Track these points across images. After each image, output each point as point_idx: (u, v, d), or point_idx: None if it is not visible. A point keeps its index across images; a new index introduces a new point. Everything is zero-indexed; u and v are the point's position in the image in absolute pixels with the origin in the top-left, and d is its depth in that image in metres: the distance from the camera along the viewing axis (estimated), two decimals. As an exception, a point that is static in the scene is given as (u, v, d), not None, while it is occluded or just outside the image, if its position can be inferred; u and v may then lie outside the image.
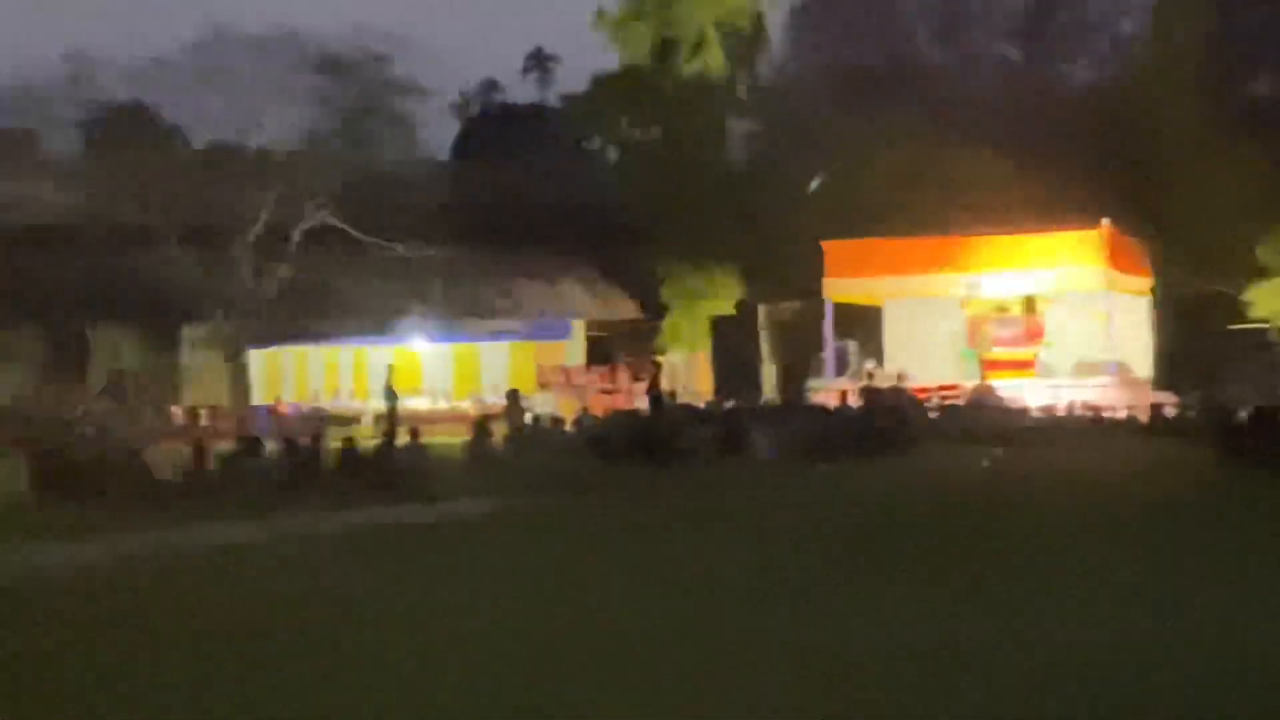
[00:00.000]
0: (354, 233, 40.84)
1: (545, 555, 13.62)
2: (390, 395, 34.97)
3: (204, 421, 36.75)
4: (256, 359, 41.58)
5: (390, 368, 36.35)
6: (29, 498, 19.93)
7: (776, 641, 8.73)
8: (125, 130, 41.27)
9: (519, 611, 10.08)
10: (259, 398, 40.42)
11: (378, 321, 40.49)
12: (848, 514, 16.28)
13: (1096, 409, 29.77)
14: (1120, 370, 34.09)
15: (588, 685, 7.73)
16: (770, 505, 17.58)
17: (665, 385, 33.45)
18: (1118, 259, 34.42)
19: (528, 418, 29.58)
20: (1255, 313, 38.13)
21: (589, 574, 12.00)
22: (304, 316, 40.34)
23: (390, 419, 32.37)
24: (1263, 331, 38.49)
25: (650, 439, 26.39)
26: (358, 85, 42.37)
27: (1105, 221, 33.90)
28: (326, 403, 39.89)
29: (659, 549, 13.52)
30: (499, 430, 28.25)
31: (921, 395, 32.16)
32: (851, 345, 38.06)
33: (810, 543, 13.48)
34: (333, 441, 24.65)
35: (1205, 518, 15.15)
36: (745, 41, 46.85)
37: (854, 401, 29.33)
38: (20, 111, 42.73)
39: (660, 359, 41.55)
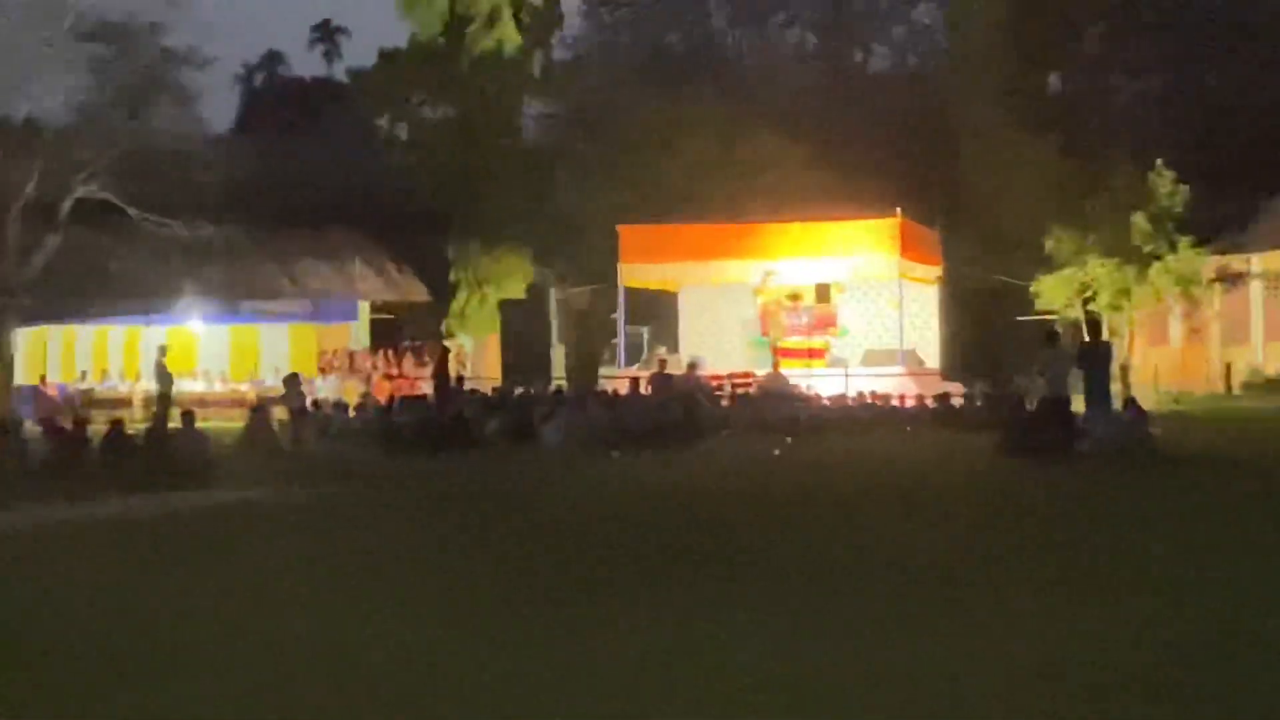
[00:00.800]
0: (128, 208, 39.90)
1: (308, 547, 13.45)
2: (163, 377, 34.19)
3: (-37, 403, 35.80)
4: (20, 337, 40.43)
5: (163, 348, 35.46)
6: None
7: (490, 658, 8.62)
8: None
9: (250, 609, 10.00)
10: (22, 378, 39.33)
11: (151, 300, 39.61)
12: (634, 505, 16.32)
13: (886, 398, 30.22)
14: (910, 360, 34.64)
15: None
16: (553, 498, 17.56)
17: (452, 370, 33.20)
18: (910, 248, 34.89)
19: (308, 403, 29.17)
20: (1041, 304, 39.03)
21: (340, 569, 11.86)
22: (73, 294, 39.29)
23: (162, 402, 31.68)
24: (1049, 323, 39.50)
25: (436, 427, 26.32)
26: (133, 53, 41.37)
27: (898, 210, 34.37)
28: (95, 384, 39.13)
29: (424, 546, 13.39)
30: (278, 415, 27.93)
31: (715, 383, 32.38)
32: (645, 332, 38.26)
33: (585, 541, 13.45)
34: (100, 424, 24.17)
35: (981, 510, 15.51)
36: (540, 18, 46.75)
37: (646, 389, 29.44)
38: None
39: (448, 343, 41.32)
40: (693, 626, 8.94)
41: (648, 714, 6.95)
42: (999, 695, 7.09)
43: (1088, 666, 7.56)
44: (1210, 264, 39.51)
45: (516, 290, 44.88)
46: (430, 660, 8.20)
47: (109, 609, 10.07)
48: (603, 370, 36.92)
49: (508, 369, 43.03)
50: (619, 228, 36.41)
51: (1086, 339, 22.94)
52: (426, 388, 32.93)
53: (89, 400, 36.15)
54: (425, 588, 10.71)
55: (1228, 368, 39.57)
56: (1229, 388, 38.58)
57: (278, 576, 11.41)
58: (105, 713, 7.23)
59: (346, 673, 7.93)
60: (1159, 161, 38.07)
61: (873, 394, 30.62)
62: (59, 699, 7.49)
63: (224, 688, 7.63)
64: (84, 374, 40.18)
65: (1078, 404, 21.89)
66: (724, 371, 33.78)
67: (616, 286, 36.65)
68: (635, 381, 30.15)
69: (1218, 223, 39.10)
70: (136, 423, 28.73)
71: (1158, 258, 38.20)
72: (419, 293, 47.05)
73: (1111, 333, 36.62)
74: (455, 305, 44.95)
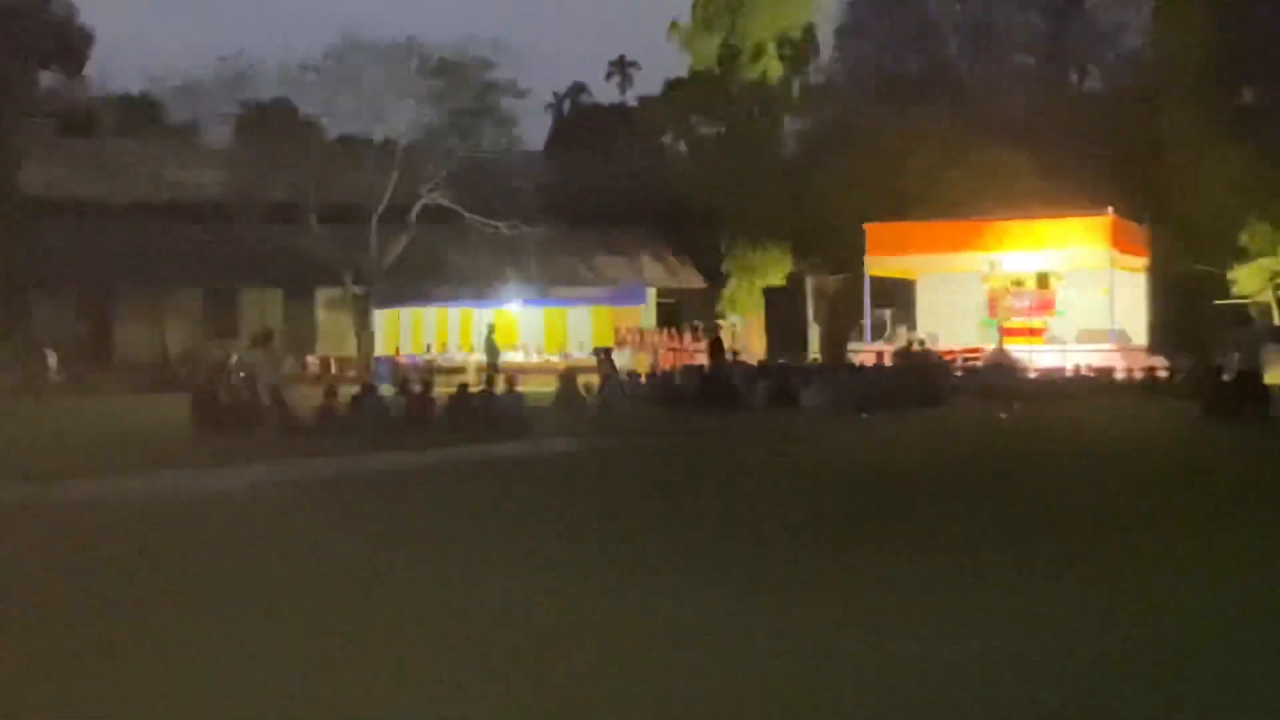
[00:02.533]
0: (462, 212, 41.08)
1: (603, 486, 13.73)
2: (491, 350, 35.13)
3: (334, 370, 37.16)
4: (379, 317, 41.89)
5: (491, 326, 36.52)
6: (188, 432, 20.29)
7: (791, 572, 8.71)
8: (271, 123, 41.69)
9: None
10: (381, 350, 40.75)
11: (481, 287, 40.69)
12: (878, 457, 16.29)
13: (1098, 371, 29.47)
14: (1119, 338, 33.71)
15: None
16: (811, 449, 17.60)
17: (726, 345, 33.34)
18: (1119, 241, 34.00)
19: (615, 372, 29.58)
20: (1238, 290, 37.67)
21: (625, 502, 12.06)
22: (419, 282, 40.61)
23: (491, 370, 32.54)
24: (1244, 307, 38.04)
25: (714, 391, 26.47)
26: (466, 86, 42.50)
27: (1109, 209, 33.51)
28: (437, 355, 40.27)
29: (721, 487, 13.53)
30: (583, 380, 28.39)
31: (948, 357, 31.99)
32: (888, 313, 37.88)
33: (846, 485, 13.47)
34: (442, 388, 24.90)
35: (1188, 463, 15.09)
36: (799, 50, 46.65)
37: (889, 362, 29.20)
38: (185, 106, 43.44)
39: (720, 323, 41.52)
40: (917, 560, 8.92)
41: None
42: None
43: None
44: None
45: (778, 278, 44.91)
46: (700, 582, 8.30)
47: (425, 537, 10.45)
48: (851, 345, 36.68)
49: (771, 345, 43.02)
50: (865, 225, 36.12)
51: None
52: (703, 359, 33.11)
53: (433, 369, 37.23)
54: (686, 525, 10.82)
55: None
56: None
57: (576, 508, 11.68)
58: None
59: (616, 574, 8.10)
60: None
61: (1087, 367, 29.89)
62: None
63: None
64: (429, 347, 41.43)
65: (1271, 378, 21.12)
66: (956, 347, 33.34)
67: (863, 275, 36.40)
68: (880, 355, 29.95)
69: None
70: (471, 387, 29.46)
71: (1343, 248, 36.53)
72: (696, 280, 47.36)
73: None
74: (726, 291, 45.23)
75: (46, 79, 46.27)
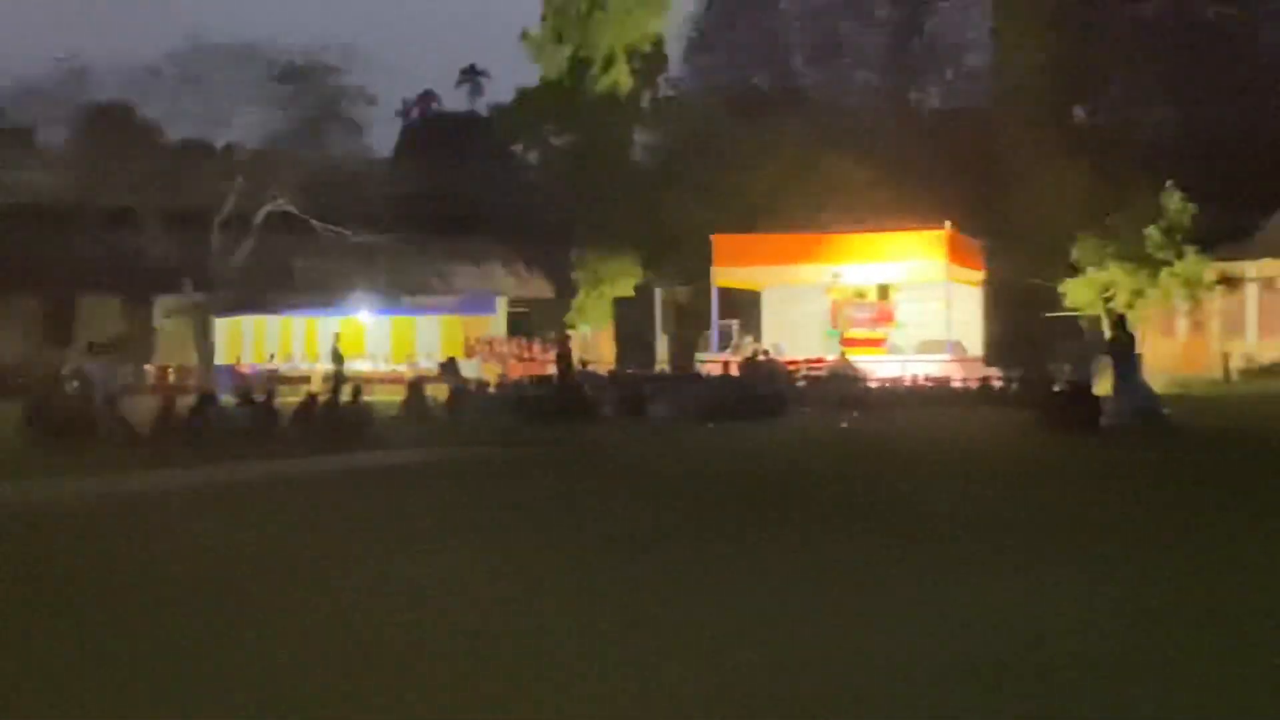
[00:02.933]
0: (309, 219, 40.54)
1: (453, 497, 13.61)
2: (337, 359, 34.70)
3: (173, 380, 36.40)
4: (221, 326, 41.10)
5: (337, 335, 36.05)
6: (20, 441, 19.70)
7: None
8: (110, 126, 40.67)
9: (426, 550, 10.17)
10: (221, 359, 39.98)
11: (327, 295, 40.18)
12: (725, 465, 16.43)
13: (936, 381, 30.07)
14: (956, 349, 34.39)
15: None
16: (656, 459, 17.70)
17: (575, 355, 33.37)
18: (956, 255, 34.67)
19: (460, 382, 29.47)
20: (1069, 303, 38.82)
21: (476, 516, 11.99)
22: (263, 290, 39.98)
23: (336, 379, 32.14)
24: (1075, 319, 39.23)
25: (561, 401, 26.47)
26: (314, 92, 41.99)
27: (947, 223, 34.16)
28: (281, 365, 39.62)
29: (561, 498, 13.50)
30: (431, 391, 28.22)
31: (792, 367, 32.35)
32: (734, 324, 38.20)
33: (680, 492, 13.55)
34: (286, 398, 24.53)
35: (1020, 470, 15.46)
36: (649, 63, 46.86)
37: (735, 372, 29.47)
38: (20, 109, 42.15)
39: (570, 332, 41.55)
40: (757, 562, 9.04)
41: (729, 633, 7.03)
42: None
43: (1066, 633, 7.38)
44: (1212, 269, 39.03)
45: (627, 289, 45.04)
46: (538, 595, 8.30)
47: (276, 549, 10.28)
48: (699, 356, 36.94)
49: (620, 354, 43.16)
50: (713, 237, 36.39)
51: (1117, 332, 22.67)
52: (553, 369, 33.10)
53: (276, 378, 36.65)
54: (557, 532, 10.81)
55: (1226, 357, 38.98)
56: (1226, 375, 38.01)
57: (421, 521, 11.54)
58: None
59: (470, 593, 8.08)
60: (1169, 183, 37.77)
61: (925, 377, 30.48)
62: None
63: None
64: (272, 356, 40.70)
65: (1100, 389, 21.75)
66: (800, 357, 33.73)
67: (710, 286, 36.65)
68: (726, 365, 30.21)
69: (1219, 234, 38.57)
70: (317, 397, 29.07)
71: (1168, 264, 37.92)
72: (546, 290, 47.37)
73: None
74: (576, 301, 45.24)
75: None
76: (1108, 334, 35.71)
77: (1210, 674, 6.06)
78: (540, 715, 5.62)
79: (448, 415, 26.35)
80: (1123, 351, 21.47)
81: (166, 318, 42.91)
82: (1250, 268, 40.08)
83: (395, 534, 10.73)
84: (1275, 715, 5.59)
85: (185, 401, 22.50)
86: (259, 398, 23.07)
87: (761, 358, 31.41)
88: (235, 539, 10.54)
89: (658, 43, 47.30)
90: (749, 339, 36.56)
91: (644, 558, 9.43)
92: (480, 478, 15.60)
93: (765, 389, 27.22)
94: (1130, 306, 36.94)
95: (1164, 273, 37.90)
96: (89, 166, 39.64)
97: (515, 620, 7.35)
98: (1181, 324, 41.19)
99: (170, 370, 38.39)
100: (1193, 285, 38.54)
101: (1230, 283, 40.09)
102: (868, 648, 6.60)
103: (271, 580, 8.67)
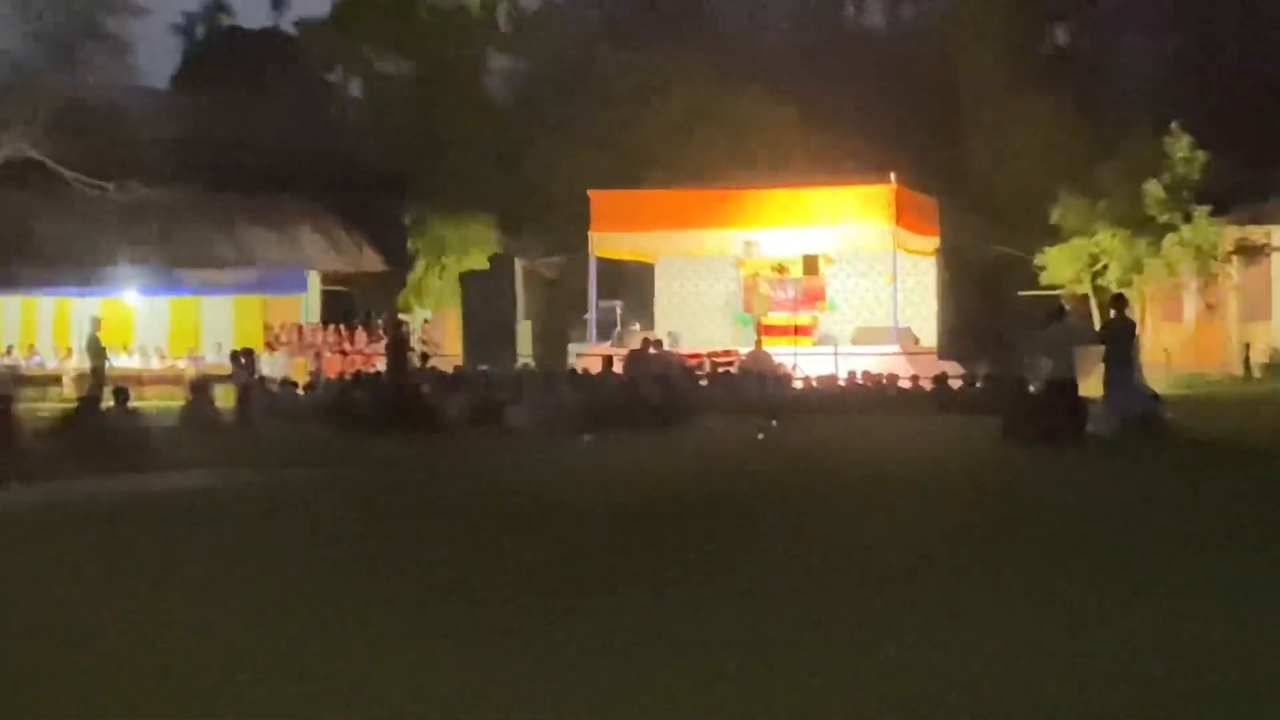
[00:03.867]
0: (59, 169, 39.85)
1: (249, 538, 13.40)
2: (96, 352, 34.16)
3: None
4: (-57, 309, 40.45)
5: (96, 321, 35.47)
6: None
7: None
8: None
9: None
10: (-55, 354, 39.29)
11: (84, 269, 39.56)
12: (604, 495, 16.28)
13: (878, 379, 30.29)
14: (904, 338, 34.72)
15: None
16: (518, 485, 17.53)
17: (414, 346, 33.22)
18: (905, 217, 34.80)
19: (254, 379, 29.19)
20: (1047, 278, 39.18)
21: (283, 564, 11.84)
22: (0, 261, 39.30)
23: (96, 379, 31.68)
24: (1054, 299, 39.61)
25: (392, 406, 26.30)
26: (64, 2, 41.33)
27: (893, 176, 34.28)
28: (21, 360, 38.99)
29: (377, 538, 13.34)
30: (221, 393, 27.94)
31: (693, 362, 32.43)
32: (618, 306, 38.28)
33: (550, 534, 13.46)
34: (29, 403, 24.15)
35: (976, 509, 15.49)
36: (507, -36, 46.86)
37: (620, 369, 29.50)
38: None
39: (404, 317, 41.30)
40: (657, 626, 9.00)
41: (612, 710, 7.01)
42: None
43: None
44: (1228, 235, 39.64)
45: (480, 260, 44.89)
46: (380, 664, 8.23)
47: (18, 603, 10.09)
48: (572, 347, 36.97)
49: (470, 345, 42.97)
50: (590, 193, 36.36)
51: (1112, 316, 22.88)
52: (381, 364, 32.90)
53: (16, 377, 36.01)
54: (378, 584, 10.66)
55: (1246, 347, 39.61)
56: (1247, 369, 38.67)
57: (210, 574, 11.34)
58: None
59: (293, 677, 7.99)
60: (1175, 124, 38.21)
61: (864, 374, 30.71)
62: None
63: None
64: (9, 349, 40.05)
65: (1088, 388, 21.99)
66: (703, 350, 33.83)
67: (587, 257, 36.63)
68: (608, 360, 30.19)
69: (1237, 192, 39.24)
70: (67, 402, 28.62)
71: (1173, 228, 38.42)
72: (373, 263, 47.01)
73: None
74: (413, 276, 45.09)
75: None
76: (1098, 318, 36.44)
77: None
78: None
79: (242, 425, 26.11)
80: (1119, 341, 21.71)
81: None
82: (1276, 234, 40.67)
83: (165, 587, 10.55)
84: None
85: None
86: (-9, 404, 22.73)
87: (653, 350, 31.44)
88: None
89: (520, -59, 47.32)
90: (636, 326, 36.73)
91: (484, 611, 9.39)
92: (283, 509, 15.40)
93: (657, 391, 27.24)
94: (1126, 282, 37.51)
95: (1168, 239, 38.43)
96: None
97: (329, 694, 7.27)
98: (1190, 305, 41.93)
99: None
100: (1205, 256, 39.09)
101: (1251, 253, 40.71)
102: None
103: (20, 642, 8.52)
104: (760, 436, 22.83)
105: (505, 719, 6.89)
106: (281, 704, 7.17)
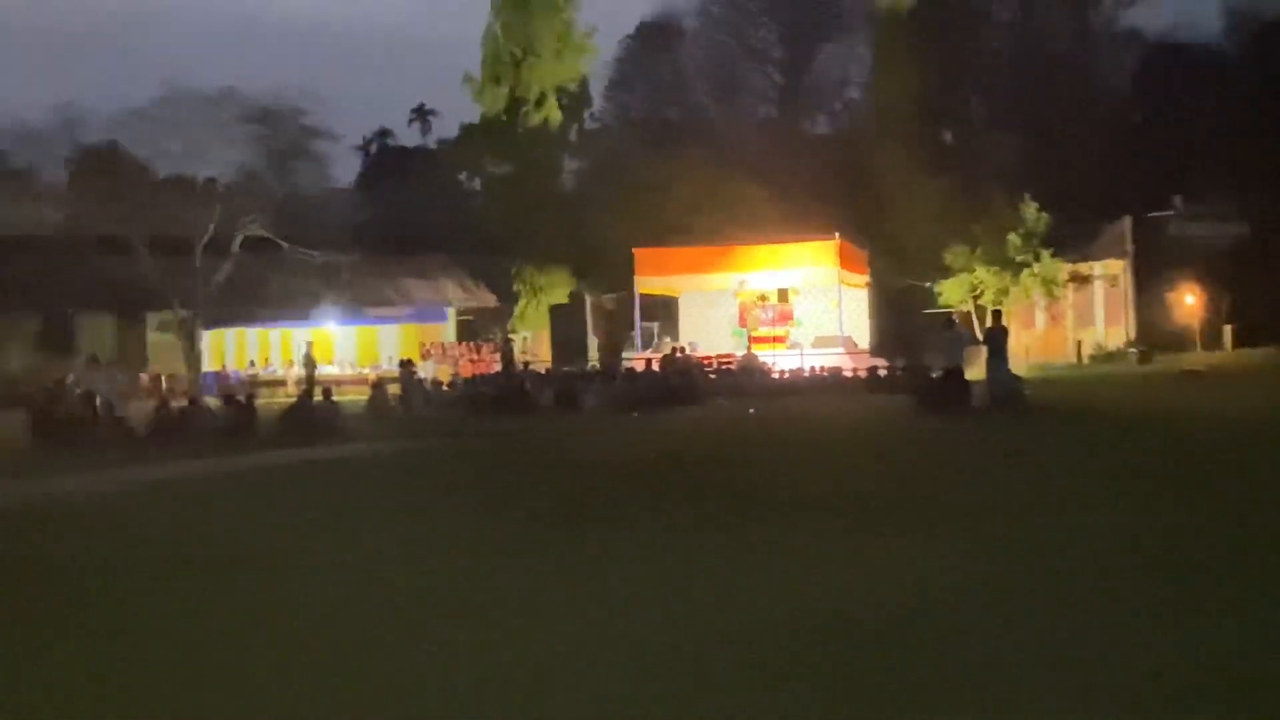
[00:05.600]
0: (280, 242, 40.14)
1: (412, 481, 13.61)
2: (309, 364, 34.40)
3: (164, 386, 35.91)
4: (206, 338, 40.65)
5: (309, 343, 35.70)
6: (28, 445, 19.44)
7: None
8: (103, 164, 40.13)
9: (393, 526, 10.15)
10: (206, 366, 39.56)
11: (299, 309, 39.85)
12: (645, 449, 16.48)
13: (830, 371, 30.25)
14: (847, 343, 34.60)
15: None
16: (588, 444, 17.74)
17: (517, 356, 33.32)
18: (845, 261, 34.82)
19: (414, 380, 29.32)
20: (943, 301, 39.16)
21: (431, 497, 12.00)
22: (242, 305, 39.55)
23: (309, 382, 31.91)
24: (948, 314, 39.50)
25: (505, 396, 26.44)
26: (282, 130, 41.55)
27: (836, 234, 34.32)
28: (259, 370, 39.29)
29: (495, 478, 13.53)
30: (392, 390, 28.11)
31: (706, 362, 32.43)
32: (655, 326, 38.27)
33: (607, 473, 13.61)
34: (265, 399, 24.36)
35: (904, 447, 15.63)
36: (574, 99, 46.93)
37: (656, 367, 29.51)
38: (20, 150, 41.51)
39: (511, 336, 41.44)
40: (671, 537, 9.08)
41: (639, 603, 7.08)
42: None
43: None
44: (1065, 269, 39.59)
45: (561, 297, 45.04)
46: (496, 561, 8.32)
47: (263, 526, 10.25)
48: (624, 354, 36.97)
49: (556, 355, 43.09)
50: (634, 250, 36.36)
51: (990, 324, 22.84)
52: (497, 368, 32.99)
53: (255, 382, 36.32)
54: (495, 513, 10.76)
55: (1079, 344, 39.61)
56: (1079, 358, 38.62)
57: (384, 509, 11.49)
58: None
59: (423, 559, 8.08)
60: (1026, 195, 38.27)
61: (821, 368, 30.66)
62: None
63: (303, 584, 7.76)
64: (251, 363, 40.36)
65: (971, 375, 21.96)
66: (713, 354, 33.82)
67: (633, 293, 36.68)
68: (648, 362, 30.25)
69: (1068, 238, 39.13)
70: (289, 397, 28.83)
71: (1027, 265, 38.34)
72: (490, 300, 47.18)
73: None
74: (517, 308, 45.22)
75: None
76: (978, 327, 36.34)
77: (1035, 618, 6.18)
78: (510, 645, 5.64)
79: (407, 411, 26.25)
80: (995, 341, 21.69)
81: (158, 331, 42.34)
82: (1096, 267, 40.74)
83: (361, 514, 10.73)
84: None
85: (177, 404, 22.32)
86: (241, 399, 22.96)
87: (679, 355, 31.48)
88: (231, 522, 10.56)
89: (582, 82, 47.37)
90: (667, 339, 36.67)
91: (562, 529, 9.49)
92: (431, 466, 15.61)
93: (682, 382, 27.29)
94: (998, 303, 37.39)
95: (1025, 273, 38.30)
96: (84, 200, 39.04)
97: (461, 580, 7.38)
98: (1039, 316, 41.78)
99: (162, 378, 37.85)
100: (1049, 283, 39.03)
101: (1080, 280, 40.71)
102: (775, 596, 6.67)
103: (266, 554, 8.66)
104: (751, 411, 22.87)
105: (577, 592, 7.00)
106: (435, 590, 7.33)
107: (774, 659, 5.63)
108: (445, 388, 30.33)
